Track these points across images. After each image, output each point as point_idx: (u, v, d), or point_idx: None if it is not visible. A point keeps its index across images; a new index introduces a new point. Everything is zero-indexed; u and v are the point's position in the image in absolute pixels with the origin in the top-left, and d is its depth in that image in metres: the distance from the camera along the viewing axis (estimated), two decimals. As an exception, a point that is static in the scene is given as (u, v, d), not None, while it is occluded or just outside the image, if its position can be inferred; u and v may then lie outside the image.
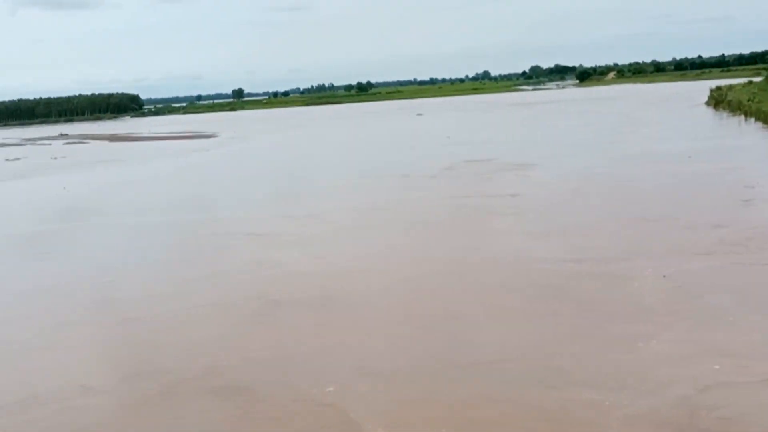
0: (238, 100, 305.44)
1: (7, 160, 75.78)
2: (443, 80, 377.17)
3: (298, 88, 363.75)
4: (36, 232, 30.10)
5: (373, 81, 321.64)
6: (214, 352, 14.45)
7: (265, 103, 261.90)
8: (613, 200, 27.67)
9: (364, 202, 31.40)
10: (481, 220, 25.39)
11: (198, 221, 29.69)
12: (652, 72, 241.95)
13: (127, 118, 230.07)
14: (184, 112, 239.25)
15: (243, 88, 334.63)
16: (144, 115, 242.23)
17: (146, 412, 12.11)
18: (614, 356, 12.92)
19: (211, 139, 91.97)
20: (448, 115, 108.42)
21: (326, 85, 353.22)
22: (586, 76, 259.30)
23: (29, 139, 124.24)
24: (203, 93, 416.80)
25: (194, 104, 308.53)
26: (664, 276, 16.95)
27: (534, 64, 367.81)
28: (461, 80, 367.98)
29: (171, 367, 13.81)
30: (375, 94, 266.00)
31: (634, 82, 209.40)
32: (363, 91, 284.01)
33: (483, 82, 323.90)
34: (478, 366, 12.93)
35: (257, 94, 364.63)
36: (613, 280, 17.18)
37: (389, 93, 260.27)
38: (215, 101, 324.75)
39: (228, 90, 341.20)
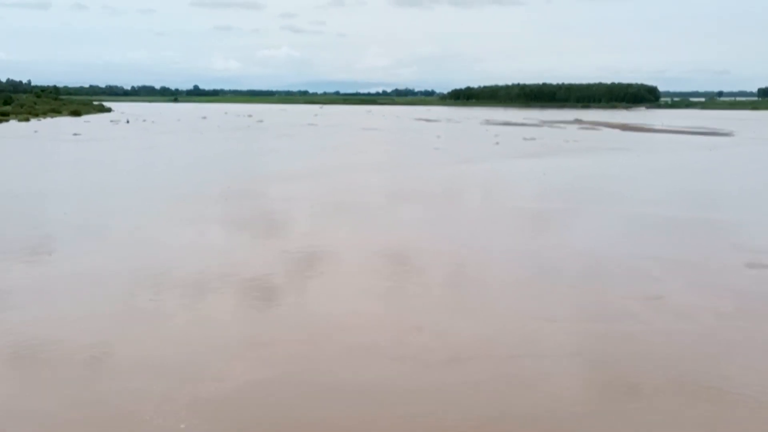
0: (762, 98, 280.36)
1: (524, 139, 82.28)
2: None
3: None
4: (541, 210, 32.04)
5: None
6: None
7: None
8: None
9: None
10: None
11: (692, 221, 28.40)
12: None
13: (642, 108, 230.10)
14: (702, 107, 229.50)
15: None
16: (659, 107, 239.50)
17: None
18: None
19: (724, 138, 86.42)
20: None
21: None
22: None
23: (546, 121, 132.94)
24: (725, 89, 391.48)
25: (714, 100, 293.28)
26: None
27: None
28: None
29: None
30: None
31: None
32: None
33: None
34: None
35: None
36: None
37: None
38: (737, 98, 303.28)
39: (754, 88, 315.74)
